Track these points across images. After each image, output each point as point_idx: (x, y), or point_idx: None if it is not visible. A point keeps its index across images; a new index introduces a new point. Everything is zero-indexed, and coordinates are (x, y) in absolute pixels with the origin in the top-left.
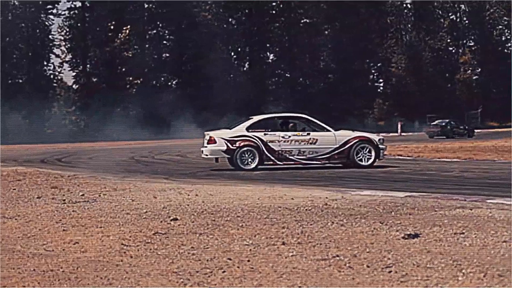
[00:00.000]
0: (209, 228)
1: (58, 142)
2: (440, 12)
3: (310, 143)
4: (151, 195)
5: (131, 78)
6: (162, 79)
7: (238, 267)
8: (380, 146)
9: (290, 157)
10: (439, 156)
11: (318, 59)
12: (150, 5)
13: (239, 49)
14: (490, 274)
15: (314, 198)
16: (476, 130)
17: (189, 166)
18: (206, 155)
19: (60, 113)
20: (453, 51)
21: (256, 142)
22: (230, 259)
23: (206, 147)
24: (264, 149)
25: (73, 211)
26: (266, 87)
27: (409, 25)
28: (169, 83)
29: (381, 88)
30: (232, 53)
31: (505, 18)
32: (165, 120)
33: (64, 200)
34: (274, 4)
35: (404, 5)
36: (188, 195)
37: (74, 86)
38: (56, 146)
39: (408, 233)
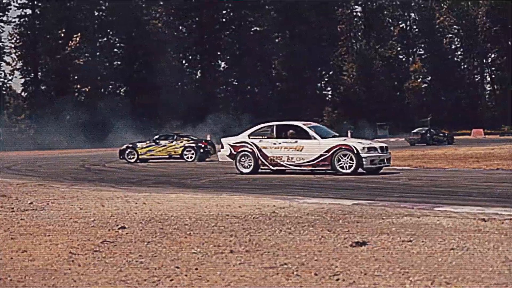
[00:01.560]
0: (157, 236)
1: (8, 150)
2: (390, 21)
3: (297, 150)
4: (99, 203)
5: (79, 86)
6: (111, 87)
7: (186, 275)
8: (362, 154)
9: (281, 162)
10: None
11: (269, 67)
12: (101, 12)
13: (190, 57)
14: (438, 282)
15: (262, 206)
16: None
17: (138, 174)
18: (219, 160)
19: (9, 121)
20: (403, 59)
21: (252, 148)
22: (178, 267)
23: (219, 151)
24: (259, 154)
25: (21, 219)
26: (216, 95)
27: (360, 34)
28: (117, 91)
29: (330, 96)
30: (183, 61)
31: (455, 26)
32: (114, 127)
33: (13, 208)
34: (225, 12)
35: (355, 13)
36: (136, 203)
37: (23, 93)
38: (5, 154)
39: (356, 241)
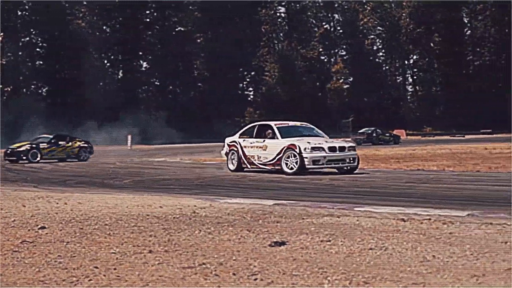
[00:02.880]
0: (77, 236)
1: None
2: (314, 22)
3: (263, 150)
4: (20, 204)
5: (1, 86)
6: (33, 86)
7: (104, 275)
8: (303, 154)
9: (254, 161)
10: None
11: (191, 67)
12: (24, 12)
13: (113, 57)
14: (356, 282)
15: (182, 206)
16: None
17: (60, 174)
18: (222, 157)
19: None
20: (326, 60)
21: (237, 147)
22: (96, 267)
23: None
24: (241, 153)
25: None
26: (137, 95)
27: (282, 34)
28: (40, 91)
29: (252, 96)
30: (106, 61)
31: (378, 27)
32: (33, 127)
33: None
34: (148, 12)
35: (278, 14)
36: (57, 203)
37: None
38: None
39: (275, 240)
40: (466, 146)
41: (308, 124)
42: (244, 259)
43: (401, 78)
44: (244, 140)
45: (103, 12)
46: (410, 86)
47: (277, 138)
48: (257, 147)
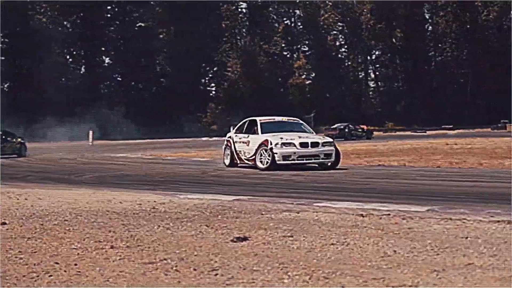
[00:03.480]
0: (37, 232)
1: None
2: (275, 17)
3: (247, 145)
4: None
5: None
6: None
7: (65, 271)
8: (274, 150)
9: (241, 156)
10: None
11: (153, 63)
12: None
13: (75, 53)
14: (316, 277)
15: (142, 202)
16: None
17: (22, 170)
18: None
19: None
20: (288, 55)
21: (230, 142)
22: (57, 263)
23: None
24: (233, 149)
25: None
26: (100, 90)
27: (244, 30)
28: (1, 87)
29: (214, 92)
30: (68, 57)
31: (339, 23)
32: None
33: None
34: (109, 7)
35: (240, 9)
36: (18, 199)
37: None
38: None
39: (236, 236)
40: (427, 142)
41: (298, 119)
42: (205, 255)
43: (363, 74)
44: (236, 136)
45: (64, 8)
46: (372, 82)
47: (258, 134)
48: (243, 142)
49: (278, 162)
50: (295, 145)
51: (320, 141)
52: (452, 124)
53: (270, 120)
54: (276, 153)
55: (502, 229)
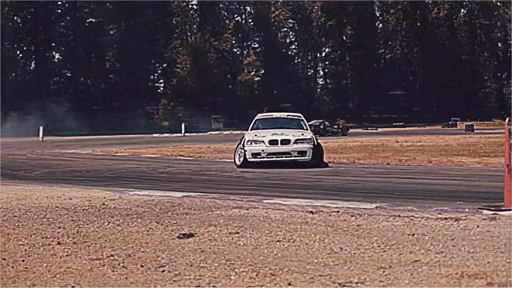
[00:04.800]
0: None
1: None
2: (226, 14)
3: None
4: None
5: None
6: None
7: (12, 267)
8: (245, 147)
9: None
10: (221, 156)
11: (103, 59)
12: None
13: (25, 48)
14: (263, 273)
15: (92, 198)
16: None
17: None
18: None
19: None
20: (238, 52)
21: (242, 140)
22: (4, 259)
23: None
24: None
25: None
26: (49, 86)
27: (195, 26)
28: None
29: (163, 88)
30: (18, 52)
31: (289, 20)
32: None
33: None
34: (60, 3)
35: (190, 6)
36: None
37: None
38: None
39: (184, 232)
40: (378, 139)
41: (299, 116)
42: (152, 251)
43: (312, 71)
44: (245, 134)
45: (15, 3)
46: (322, 79)
47: (248, 131)
48: (242, 140)
49: (248, 159)
50: (264, 143)
51: (292, 138)
52: (403, 121)
53: (267, 117)
54: (246, 151)
55: (449, 226)
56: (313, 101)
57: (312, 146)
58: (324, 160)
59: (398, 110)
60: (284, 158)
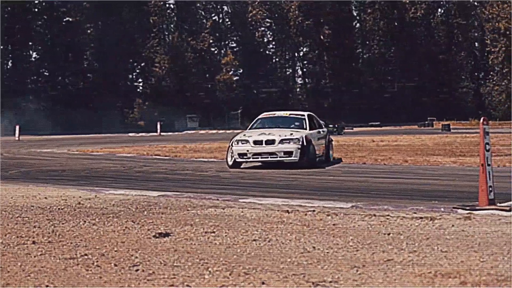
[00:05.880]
0: None
1: None
2: (203, 13)
3: None
4: None
5: None
6: None
7: None
8: (233, 147)
9: None
10: (197, 156)
11: (80, 58)
12: None
13: (2, 47)
14: (236, 272)
15: (67, 197)
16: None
17: None
18: None
19: None
20: (216, 51)
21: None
22: None
23: None
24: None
25: None
26: (27, 85)
27: (172, 26)
28: None
29: (141, 87)
30: None
31: (267, 20)
32: None
33: None
34: (36, 2)
35: (167, 5)
36: None
37: None
38: None
39: (160, 232)
40: (354, 138)
41: (302, 114)
42: (126, 250)
43: (290, 70)
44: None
45: None
46: (300, 79)
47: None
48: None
49: (236, 160)
50: (249, 143)
51: (277, 138)
52: (379, 121)
53: (269, 116)
54: (233, 151)
55: (424, 225)
56: (289, 100)
57: (299, 146)
58: (317, 160)
59: (375, 110)
60: (269, 159)
